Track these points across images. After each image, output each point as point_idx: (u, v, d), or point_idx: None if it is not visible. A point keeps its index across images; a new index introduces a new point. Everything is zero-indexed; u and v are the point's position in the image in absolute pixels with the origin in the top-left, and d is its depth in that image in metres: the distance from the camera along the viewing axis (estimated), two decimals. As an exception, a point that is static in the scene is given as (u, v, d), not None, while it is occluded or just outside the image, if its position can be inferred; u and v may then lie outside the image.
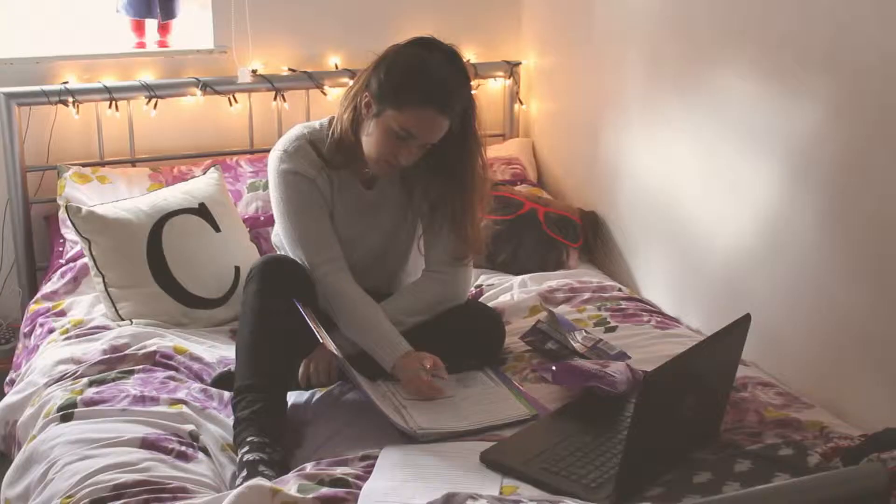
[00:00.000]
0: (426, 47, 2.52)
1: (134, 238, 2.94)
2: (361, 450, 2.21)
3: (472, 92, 2.59)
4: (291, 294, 2.45)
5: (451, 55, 2.52)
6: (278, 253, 2.73)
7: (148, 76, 3.54)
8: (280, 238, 2.71)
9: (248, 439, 2.25)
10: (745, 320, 2.18)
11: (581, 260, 3.42)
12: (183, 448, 2.21)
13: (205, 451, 2.26)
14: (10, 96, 3.31)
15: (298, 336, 2.44)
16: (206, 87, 3.52)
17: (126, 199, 3.14)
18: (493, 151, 3.80)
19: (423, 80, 2.45)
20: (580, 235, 3.41)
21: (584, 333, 2.71)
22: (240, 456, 2.23)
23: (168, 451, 2.19)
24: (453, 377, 2.53)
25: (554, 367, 2.47)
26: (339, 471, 2.10)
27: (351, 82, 3.63)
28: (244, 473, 2.16)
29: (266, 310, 2.44)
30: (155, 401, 2.39)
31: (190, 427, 2.30)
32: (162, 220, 2.98)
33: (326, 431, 2.36)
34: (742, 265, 2.85)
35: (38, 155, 3.44)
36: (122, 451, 2.16)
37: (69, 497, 2.01)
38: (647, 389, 1.94)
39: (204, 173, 3.36)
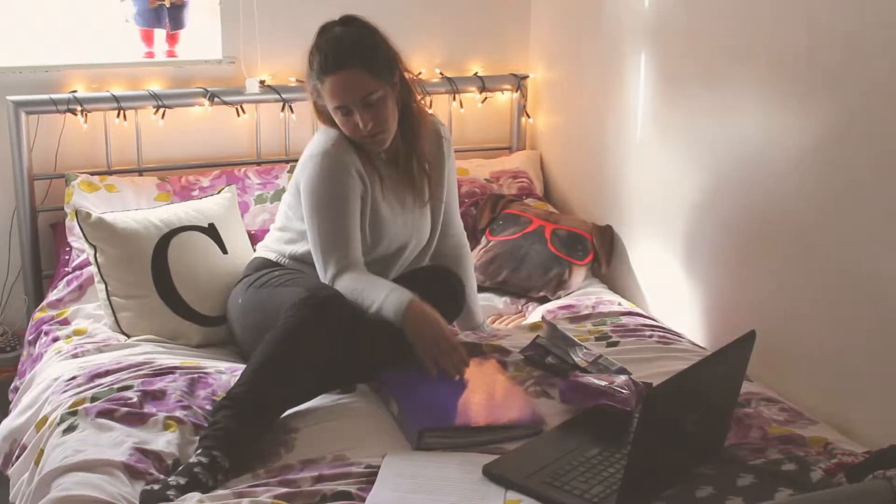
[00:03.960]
0: (327, 25, 2.73)
1: (140, 249, 2.94)
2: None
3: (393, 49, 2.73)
4: (333, 333, 2.45)
5: (346, 20, 2.71)
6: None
7: (156, 86, 3.55)
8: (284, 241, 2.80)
9: (205, 458, 2.20)
10: (749, 337, 2.17)
11: (589, 276, 3.41)
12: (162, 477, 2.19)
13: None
14: (18, 105, 3.32)
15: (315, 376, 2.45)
16: (214, 97, 3.53)
17: (136, 209, 3.15)
18: (500, 164, 3.81)
19: (322, 51, 2.64)
20: (589, 252, 3.39)
21: (585, 349, 2.71)
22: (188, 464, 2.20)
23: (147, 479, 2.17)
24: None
25: (561, 387, 2.47)
26: (341, 483, 2.10)
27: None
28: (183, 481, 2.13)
29: (304, 337, 2.41)
30: (152, 416, 2.38)
31: (175, 456, 2.27)
32: (170, 235, 2.99)
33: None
34: (748, 280, 2.85)
35: (45, 163, 3.45)
36: (102, 478, 2.15)
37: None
38: (651, 405, 1.94)
39: (210, 183, 3.37)
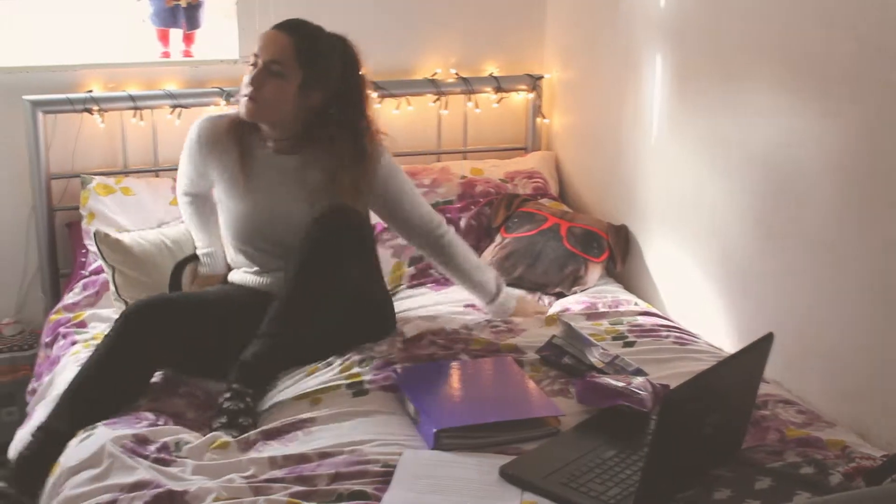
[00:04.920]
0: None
1: (156, 274, 2.99)
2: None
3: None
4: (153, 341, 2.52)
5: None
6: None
7: (172, 86, 3.56)
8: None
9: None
10: (767, 339, 2.17)
11: (604, 274, 3.41)
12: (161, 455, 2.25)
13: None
14: (35, 104, 3.33)
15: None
16: (230, 96, 3.54)
17: (149, 228, 3.20)
18: (515, 165, 3.81)
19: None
20: (605, 250, 3.39)
21: (602, 349, 2.71)
22: None
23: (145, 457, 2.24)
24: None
25: (578, 386, 2.47)
26: (357, 483, 2.11)
27: (374, 95, 3.68)
28: None
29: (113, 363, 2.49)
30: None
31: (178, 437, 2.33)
32: (183, 263, 3.02)
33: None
34: (765, 281, 2.84)
35: (62, 162, 3.46)
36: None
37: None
38: (668, 407, 1.93)
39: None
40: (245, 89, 2.72)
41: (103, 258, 2.97)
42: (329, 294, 2.62)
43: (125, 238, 3.02)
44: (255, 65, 2.72)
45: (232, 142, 2.83)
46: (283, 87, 2.71)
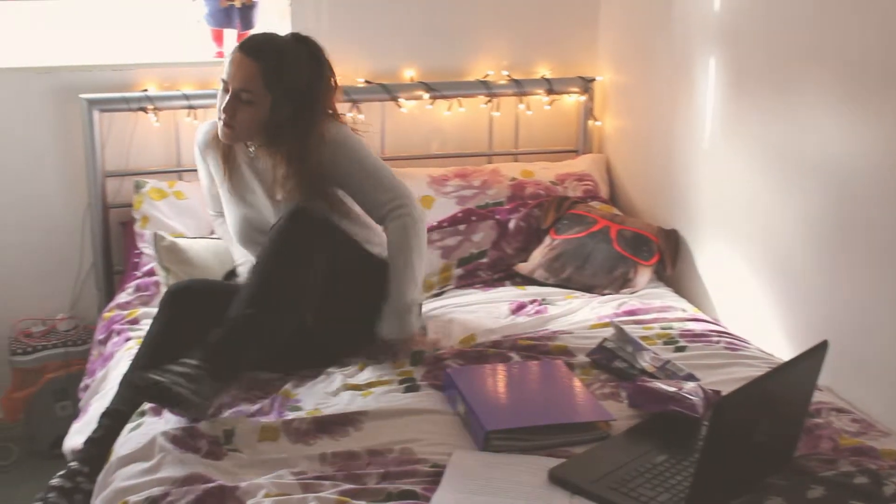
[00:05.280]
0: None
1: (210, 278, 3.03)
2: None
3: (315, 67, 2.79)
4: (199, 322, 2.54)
5: (297, 36, 2.83)
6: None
7: (227, 85, 3.58)
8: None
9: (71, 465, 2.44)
10: (822, 347, 2.14)
11: (654, 278, 3.39)
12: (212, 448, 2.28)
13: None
14: (92, 103, 3.37)
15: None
16: (283, 97, 3.56)
17: (202, 236, 3.26)
18: (566, 167, 3.80)
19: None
20: (655, 253, 3.38)
21: (653, 353, 2.69)
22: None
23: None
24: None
25: (629, 390, 2.46)
26: (407, 482, 2.11)
27: (426, 96, 3.69)
28: (48, 495, 2.36)
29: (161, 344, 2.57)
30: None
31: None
32: (233, 271, 3.06)
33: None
34: (820, 288, 2.81)
35: (117, 161, 3.51)
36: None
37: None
38: (721, 414, 1.92)
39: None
40: (219, 114, 2.74)
41: (160, 261, 3.02)
42: (288, 283, 2.57)
43: (181, 242, 3.07)
44: (226, 90, 2.72)
45: (219, 148, 2.89)
46: (255, 113, 2.72)
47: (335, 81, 2.85)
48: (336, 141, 2.79)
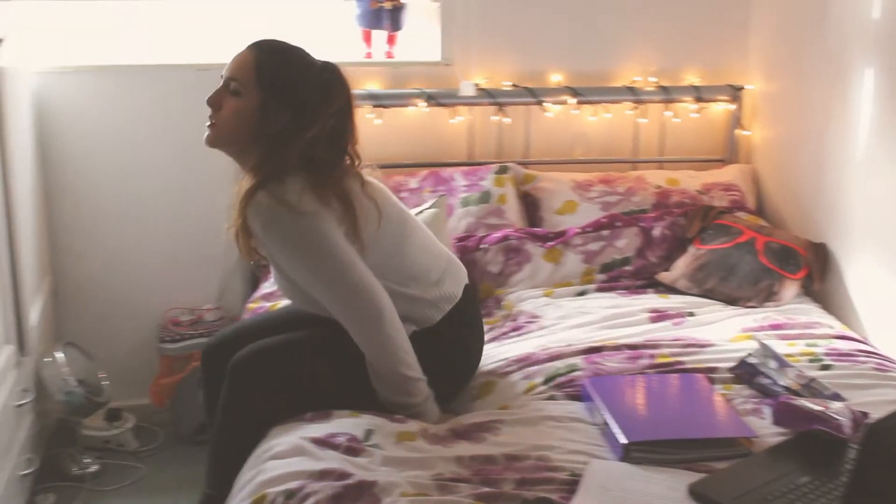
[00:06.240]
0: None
1: None
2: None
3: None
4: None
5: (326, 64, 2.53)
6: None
7: (374, 86, 3.64)
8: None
9: None
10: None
11: (800, 293, 3.31)
12: (351, 445, 2.29)
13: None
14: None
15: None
16: (431, 98, 3.59)
17: None
18: (712, 177, 3.74)
19: None
20: (802, 267, 3.29)
21: (797, 370, 2.63)
22: None
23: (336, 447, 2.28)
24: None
25: (772, 407, 2.41)
26: (543, 489, 2.11)
27: (572, 100, 3.68)
28: None
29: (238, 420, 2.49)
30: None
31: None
32: None
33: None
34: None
35: (267, 157, 3.58)
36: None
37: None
38: (873, 437, 1.85)
39: (418, 185, 3.43)
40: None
41: None
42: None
43: None
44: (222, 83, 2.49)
45: None
46: (240, 107, 2.43)
47: (353, 125, 2.52)
48: (268, 212, 2.38)
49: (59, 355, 3.32)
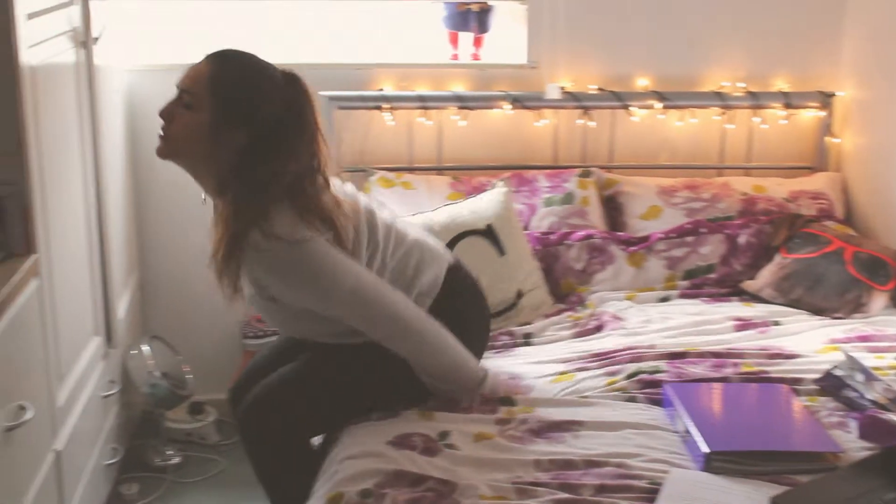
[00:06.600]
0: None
1: None
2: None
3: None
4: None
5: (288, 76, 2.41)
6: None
7: (460, 87, 3.65)
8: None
9: None
10: None
11: (890, 304, 3.23)
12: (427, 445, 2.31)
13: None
14: (332, 100, 3.50)
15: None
16: (516, 101, 3.59)
17: (422, 212, 3.27)
18: (800, 184, 3.68)
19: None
20: (892, 278, 3.22)
21: (885, 384, 2.57)
22: None
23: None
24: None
25: (859, 421, 2.36)
26: (622, 497, 2.09)
27: (659, 105, 3.64)
28: None
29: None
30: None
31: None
32: (451, 243, 3.09)
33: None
34: None
35: (353, 156, 3.62)
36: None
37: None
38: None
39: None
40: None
41: None
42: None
43: (397, 222, 3.09)
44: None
45: None
46: (191, 121, 2.31)
47: (321, 141, 2.40)
48: (268, 252, 2.31)
49: (145, 348, 3.38)
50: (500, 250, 3.15)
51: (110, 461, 3.08)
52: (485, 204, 3.25)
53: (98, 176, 3.03)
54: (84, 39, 2.87)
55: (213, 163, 2.35)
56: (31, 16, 2.35)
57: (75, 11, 2.80)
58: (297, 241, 2.30)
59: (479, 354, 2.66)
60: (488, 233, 3.15)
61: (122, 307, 3.32)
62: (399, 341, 2.45)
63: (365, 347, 2.48)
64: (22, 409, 2.17)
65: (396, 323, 2.43)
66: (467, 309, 2.67)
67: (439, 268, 2.61)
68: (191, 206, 3.62)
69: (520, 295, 3.14)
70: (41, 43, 2.45)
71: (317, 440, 2.59)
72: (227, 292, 2.38)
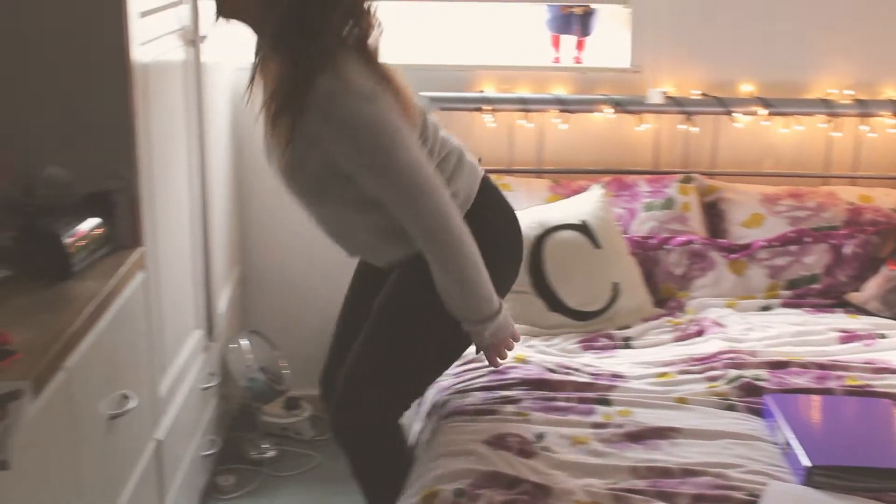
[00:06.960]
0: None
1: None
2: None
3: None
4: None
5: None
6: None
7: (561, 90, 3.63)
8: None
9: None
10: None
11: None
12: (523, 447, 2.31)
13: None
14: (433, 100, 3.50)
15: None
16: (618, 105, 3.56)
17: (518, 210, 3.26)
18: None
19: None
20: None
21: None
22: None
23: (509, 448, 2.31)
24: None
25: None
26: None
27: (763, 111, 3.58)
28: None
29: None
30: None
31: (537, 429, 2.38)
32: (545, 234, 3.11)
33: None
34: None
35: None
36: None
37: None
38: None
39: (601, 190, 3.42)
40: None
41: None
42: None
43: None
44: None
45: None
46: None
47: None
48: (334, 97, 2.15)
49: (244, 342, 3.44)
50: (596, 244, 3.14)
51: (208, 452, 3.13)
52: (580, 203, 3.27)
53: (203, 172, 3.08)
54: (193, 38, 2.92)
55: (267, 10, 2.19)
56: (143, 14, 2.40)
57: (185, 10, 2.85)
58: (369, 98, 2.18)
59: (501, 288, 2.43)
60: (583, 227, 3.15)
61: (222, 302, 3.38)
62: (437, 243, 2.25)
63: (408, 300, 2.41)
64: (125, 398, 2.21)
65: (442, 218, 2.23)
66: (498, 228, 2.51)
67: (474, 178, 2.47)
68: (293, 203, 3.69)
69: (616, 289, 3.12)
70: (152, 41, 2.50)
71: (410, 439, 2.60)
72: (273, 146, 2.31)
